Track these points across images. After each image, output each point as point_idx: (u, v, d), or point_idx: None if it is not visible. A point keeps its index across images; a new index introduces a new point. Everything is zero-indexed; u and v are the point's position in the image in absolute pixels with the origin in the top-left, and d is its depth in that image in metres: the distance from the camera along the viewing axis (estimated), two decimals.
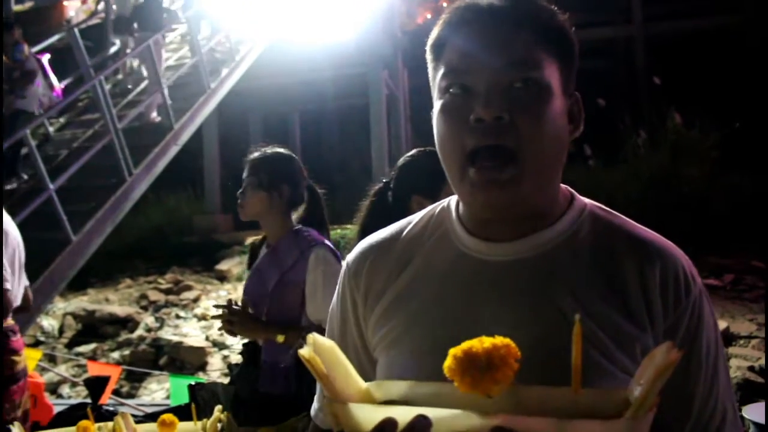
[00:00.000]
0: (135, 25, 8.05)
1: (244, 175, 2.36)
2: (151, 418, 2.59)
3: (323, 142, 13.14)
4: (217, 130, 11.78)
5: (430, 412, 0.63)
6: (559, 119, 0.84)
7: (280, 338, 2.19)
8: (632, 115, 9.28)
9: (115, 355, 7.90)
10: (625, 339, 0.82)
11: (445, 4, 11.70)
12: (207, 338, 7.82)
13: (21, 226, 3.10)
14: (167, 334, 8.09)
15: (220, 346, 7.56)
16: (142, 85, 8.37)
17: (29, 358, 3.41)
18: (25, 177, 6.43)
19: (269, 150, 2.42)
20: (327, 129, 12.88)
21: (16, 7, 8.76)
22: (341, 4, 10.49)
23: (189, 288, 9.26)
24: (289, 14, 10.01)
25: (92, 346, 8.11)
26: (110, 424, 2.03)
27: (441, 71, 0.87)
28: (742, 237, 7.93)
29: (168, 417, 1.93)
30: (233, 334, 2.26)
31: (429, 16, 11.89)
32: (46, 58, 7.22)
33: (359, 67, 11.14)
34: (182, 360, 7.54)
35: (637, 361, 0.78)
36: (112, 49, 8.43)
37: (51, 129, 7.60)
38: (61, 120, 7.97)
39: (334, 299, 1.02)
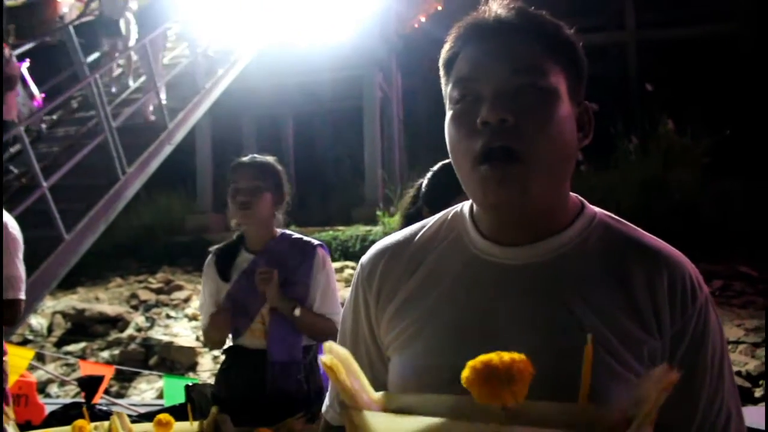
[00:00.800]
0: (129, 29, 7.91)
1: (244, 179, 2.34)
2: (145, 418, 2.59)
3: (316, 144, 13.16)
4: (209, 130, 11.77)
5: (442, 422, 0.66)
6: (566, 124, 0.87)
7: (297, 311, 2.26)
8: (624, 120, 9.35)
9: (105, 354, 7.88)
10: (634, 343, 0.84)
11: (439, 8, 11.75)
12: (197, 338, 7.81)
13: None
14: (157, 333, 8.08)
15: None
16: (133, 84, 8.34)
17: (21, 357, 3.40)
18: (15, 171, 6.34)
19: (260, 157, 2.44)
20: (320, 131, 12.90)
21: (9, 2, 8.68)
22: (336, 7, 10.51)
23: (180, 288, 9.25)
24: (284, 17, 10.02)
25: (81, 345, 8.09)
26: (106, 423, 2.04)
27: (451, 83, 0.91)
28: (731, 243, 8.01)
29: (164, 417, 1.94)
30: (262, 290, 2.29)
31: (423, 19, 11.93)
32: (25, 66, 6.96)
33: (353, 70, 11.16)
34: (172, 360, 7.53)
35: (645, 364, 0.80)
36: (95, 55, 8.24)
37: (43, 126, 7.55)
38: (54, 117, 7.92)
39: (348, 299, 1.04)
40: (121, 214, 6.80)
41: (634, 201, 8.61)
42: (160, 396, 6.43)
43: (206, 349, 7.55)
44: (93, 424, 2.03)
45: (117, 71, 8.33)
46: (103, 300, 9.27)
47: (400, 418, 0.70)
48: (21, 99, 6.60)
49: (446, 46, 0.93)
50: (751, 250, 7.91)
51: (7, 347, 2.88)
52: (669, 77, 10.35)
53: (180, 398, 3.49)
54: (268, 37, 9.80)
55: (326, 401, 1.07)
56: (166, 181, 10.56)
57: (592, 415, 0.71)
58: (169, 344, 7.66)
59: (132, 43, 7.90)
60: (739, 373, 5.64)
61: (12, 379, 3.08)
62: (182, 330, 8.15)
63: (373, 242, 1.40)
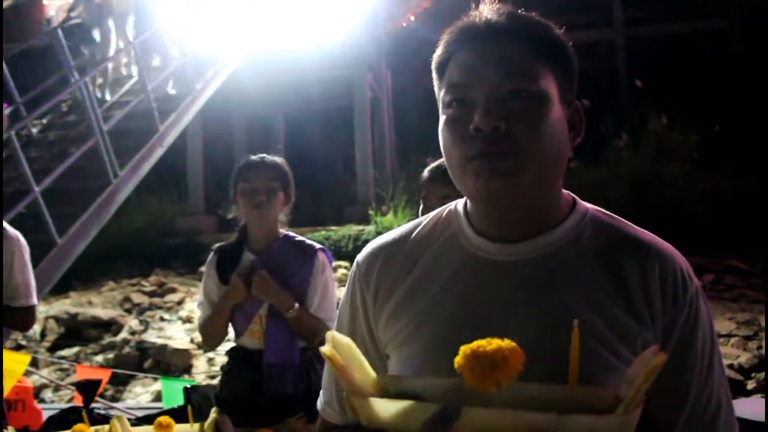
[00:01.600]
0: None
1: (260, 179, 2.33)
2: (143, 421, 2.59)
3: (307, 144, 13.13)
4: (200, 132, 11.73)
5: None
6: (556, 126, 0.89)
7: (293, 312, 2.25)
8: (614, 117, 9.40)
9: (99, 358, 7.85)
10: (627, 334, 0.87)
11: (428, 6, 11.76)
12: (192, 340, 7.80)
13: None
14: (151, 336, 8.06)
15: (206, 348, 7.55)
16: (126, 86, 8.31)
17: (17, 362, 3.39)
18: None
19: (270, 157, 2.43)
20: (311, 131, 12.87)
21: None
22: (325, 7, 10.50)
23: (173, 290, 9.23)
24: (274, 17, 10.00)
25: (75, 349, 8.06)
26: (106, 427, 2.05)
27: (444, 87, 0.93)
28: (722, 237, 8.08)
29: (164, 419, 1.95)
30: (244, 294, 2.29)
31: (412, 19, 11.95)
32: None
33: (343, 70, 11.16)
34: (167, 362, 7.52)
35: (638, 354, 0.83)
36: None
37: (34, 130, 7.51)
38: (44, 121, 7.87)
39: (343, 298, 1.06)
40: (113, 218, 6.78)
41: (624, 197, 8.67)
42: (156, 399, 6.43)
43: (201, 351, 7.54)
44: (93, 428, 2.04)
45: (99, 80, 8.19)
46: (96, 304, 9.23)
47: (400, 402, 0.73)
48: None
49: (438, 50, 0.95)
50: (742, 244, 7.98)
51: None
52: (658, 74, 10.41)
53: (178, 400, 3.49)
54: (258, 38, 9.79)
55: (321, 398, 1.08)
56: (157, 183, 10.53)
57: (583, 396, 0.75)
58: (164, 347, 7.64)
59: (112, 52, 7.81)
60: (731, 366, 5.70)
61: (9, 385, 3.09)
62: (176, 332, 8.14)
63: (365, 242, 1.41)
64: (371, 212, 10.10)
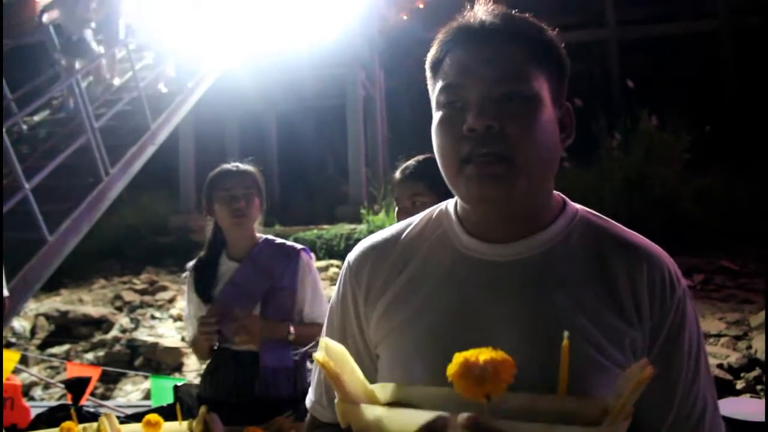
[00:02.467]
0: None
1: (239, 186, 2.36)
2: (133, 418, 2.59)
3: (300, 142, 13.11)
4: (192, 130, 11.69)
5: (430, 415, 0.70)
6: (549, 127, 0.90)
7: (292, 336, 2.29)
8: (606, 117, 9.42)
9: (89, 356, 7.81)
10: (616, 334, 0.88)
11: (421, 6, 11.76)
12: (183, 339, 7.77)
13: None
14: (142, 334, 8.03)
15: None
16: (118, 82, 8.27)
17: (6, 360, 3.37)
18: None
19: (243, 164, 2.46)
20: (303, 129, 12.86)
21: None
22: (319, 5, 10.49)
23: (164, 288, 9.19)
24: (267, 15, 9.98)
25: (66, 347, 8.01)
26: (94, 425, 2.04)
27: (438, 87, 0.93)
28: (712, 238, 8.11)
29: (153, 417, 1.95)
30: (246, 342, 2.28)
31: (405, 17, 11.94)
32: None
33: (336, 68, 11.15)
34: (158, 361, 7.49)
35: (627, 355, 0.83)
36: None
37: (24, 127, 7.47)
38: (35, 118, 7.83)
39: (334, 296, 1.06)
40: (104, 215, 6.75)
41: (616, 197, 8.69)
42: (146, 397, 6.40)
43: (191, 350, 7.51)
44: (81, 426, 2.03)
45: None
46: (86, 302, 9.18)
47: (390, 409, 0.73)
48: None
49: (432, 50, 0.95)
50: (732, 245, 8.02)
51: None
52: (650, 74, 10.45)
53: (167, 398, 3.48)
54: (251, 37, 9.76)
55: (310, 396, 1.08)
56: (149, 181, 10.48)
57: (572, 407, 0.75)
58: (155, 345, 7.60)
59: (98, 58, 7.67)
60: (720, 366, 5.72)
61: None
62: (167, 330, 8.11)
63: (357, 240, 1.42)
64: (363, 211, 10.09)
